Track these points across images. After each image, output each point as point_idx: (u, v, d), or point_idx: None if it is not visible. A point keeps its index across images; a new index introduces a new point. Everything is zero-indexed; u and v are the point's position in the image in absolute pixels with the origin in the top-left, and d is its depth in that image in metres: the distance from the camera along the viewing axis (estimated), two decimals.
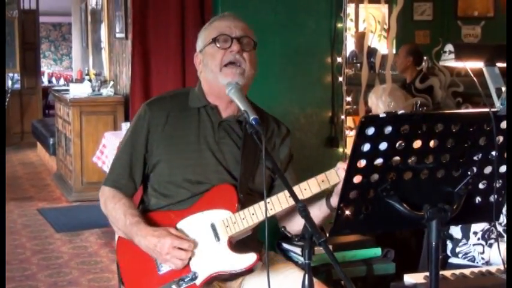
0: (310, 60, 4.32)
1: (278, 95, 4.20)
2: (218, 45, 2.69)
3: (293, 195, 2.25)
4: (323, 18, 4.32)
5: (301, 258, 2.25)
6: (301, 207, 2.16)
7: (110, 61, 8.87)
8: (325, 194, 2.62)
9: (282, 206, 2.58)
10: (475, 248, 3.08)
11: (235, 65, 2.66)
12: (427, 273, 2.19)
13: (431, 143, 1.99)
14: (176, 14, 4.29)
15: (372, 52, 6.23)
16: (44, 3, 13.00)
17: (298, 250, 3.56)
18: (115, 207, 2.76)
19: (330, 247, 2.17)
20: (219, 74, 2.68)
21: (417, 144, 1.98)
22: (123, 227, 2.71)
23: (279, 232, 2.64)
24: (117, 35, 8.18)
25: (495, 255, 3.02)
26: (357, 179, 1.99)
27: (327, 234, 2.16)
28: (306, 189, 2.56)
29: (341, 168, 2.49)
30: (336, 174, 2.53)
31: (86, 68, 10.21)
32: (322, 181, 2.56)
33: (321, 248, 2.10)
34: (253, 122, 2.38)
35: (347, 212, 2.02)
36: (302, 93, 4.31)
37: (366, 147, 1.95)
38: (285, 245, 3.70)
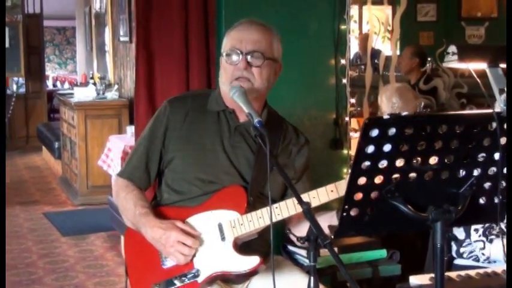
0: (313, 63, 4.32)
1: (282, 97, 4.17)
2: (228, 60, 2.74)
3: (297, 195, 2.27)
4: (326, 20, 4.32)
5: (307, 261, 2.25)
6: (306, 209, 2.17)
7: (114, 64, 8.89)
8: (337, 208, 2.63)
9: (290, 212, 2.60)
10: (476, 245, 3.09)
11: (244, 79, 2.70)
12: (433, 275, 2.19)
13: (436, 144, 1.99)
14: (179, 17, 4.29)
15: (376, 53, 6.23)
16: (48, 7, 13.03)
17: (303, 252, 3.56)
18: (126, 197, 2.81)
19: (335, 249, 2.17)
20: (229, 86, 2.72)
21: (421, 145, 1.99)
22: (132, 217, 2.76)
23: (285, 235, 2.65)
24: (121, 39, 8.20)
25: (495, 251, 3.03)
26: (361, 180, 1.99)
27: (332, 237, 2.17)
28: (314, 197, 2.59)
29: None
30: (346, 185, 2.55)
31: (91, 72, 10.22)
32: (332, 191, 2.60)
33: (326, 250, 2.11)
34: (257, 125, 2.41)
35: (352, 214, 2.02)
36: (306, 95, 4.31)
37: (370, 149, 1.95)
38: (291, 248, 3.70)
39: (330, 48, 4.34)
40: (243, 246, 2.68)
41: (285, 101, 4.18)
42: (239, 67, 2.71)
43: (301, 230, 2.65)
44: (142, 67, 4.45)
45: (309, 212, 2.16)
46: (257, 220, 2.62)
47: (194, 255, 2.64)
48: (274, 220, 2.53)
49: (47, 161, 10.73)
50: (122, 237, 2.89)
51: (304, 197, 2.53)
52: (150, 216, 2.70)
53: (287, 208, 2.60)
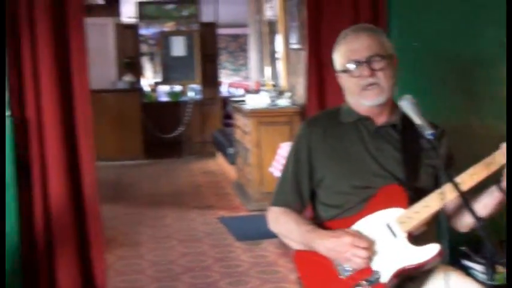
0: (488, 71, 4.20)
1: (454, 105, 4.11)
2: (349, 74, 2.79)
3: (469, 208, 2.32)
4: (500, 25, 4.18)
5: (483, 276, 2.20)
6: (482, 225, 2.15)
7: (286, 72, 9.00)
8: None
9: (453, 193, 2.58)
10: None
11: (373, 85, 2.75)
12: None
13: None
14: (350, 25, 4.30)
15: None
16: (222, 15, 13.42)
17: (479, 267, 3.46)
18: (287, 220, 2.88)
19: None
20: (359, 97, 2.79)
21: None
22: (299, 236, 2.81)
23: (455, 248, 2.60)
24: (293, 46, 8.30)
25: None
26: None
27: None
28: (474, 174, 2.60)
29: None
30: (503, 155, 2.55)
31: (263, 79, 10.40)
32: (490, 163, 2.60)
33: None
34: (431, 137, 2.52)
35: None
36: (480, 104, 4.20)
37: None
38: (465, 262, 3.61)
39: (504, 55, 4.19)
40: (416, 239, 2.66)
41: (458, 109, 4.10)
42: (364, 76, 2.74)
43: (464, 220, 2.73)
44: (313, 76, 4.51)
45: (484, 230, 2.12)
46: (424, 209, 2.63)
47: (370, 259, 2.64)
48: (441, 205, 2.59)
49: (221, 166, 11.02)
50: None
51: (464, 176, 2.59)
52: (318, 230, 2.75)
53: (450, 190, 2.58)
